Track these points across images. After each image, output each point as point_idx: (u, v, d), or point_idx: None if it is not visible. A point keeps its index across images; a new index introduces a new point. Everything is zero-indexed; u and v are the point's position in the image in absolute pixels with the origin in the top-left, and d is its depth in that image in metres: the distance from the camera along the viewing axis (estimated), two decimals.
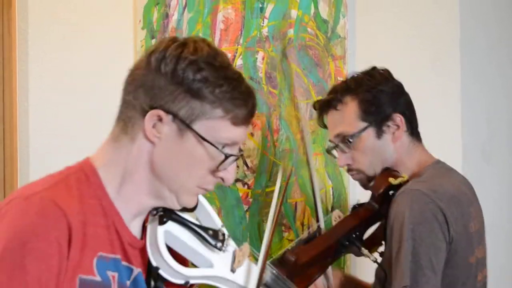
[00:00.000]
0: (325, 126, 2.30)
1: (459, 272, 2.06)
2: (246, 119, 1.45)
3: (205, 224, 1.55)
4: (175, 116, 1.40)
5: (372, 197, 2.22)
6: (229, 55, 2.96)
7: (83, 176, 1.44)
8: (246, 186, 2.90)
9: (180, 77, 1.40)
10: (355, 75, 2.25)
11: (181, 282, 1.46)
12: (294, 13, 2.88)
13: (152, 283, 1.45)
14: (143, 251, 1.47)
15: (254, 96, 1.46)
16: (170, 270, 1.45)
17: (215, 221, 1.56)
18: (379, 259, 2.15)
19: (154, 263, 1.45)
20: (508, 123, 3.08)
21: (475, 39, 2.87)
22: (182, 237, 1.48)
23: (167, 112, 1.40)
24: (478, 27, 2.90)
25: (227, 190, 2.90)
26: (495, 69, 3.01)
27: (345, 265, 2.82)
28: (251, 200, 2.90)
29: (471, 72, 2.83)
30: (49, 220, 1.33)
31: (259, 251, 1.60)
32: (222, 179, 1.47)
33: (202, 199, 1.55)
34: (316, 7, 2.86)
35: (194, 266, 1.51)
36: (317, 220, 2.46)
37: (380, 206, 2.19)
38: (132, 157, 1.44)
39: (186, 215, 1.51)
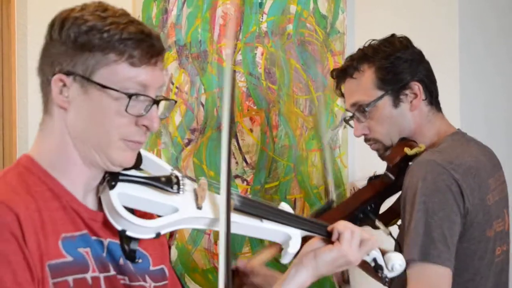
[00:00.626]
0: (342, 95, 2.24)
1: (475, 246, 2.00)
2: (145, 58, 1.41)
3: (157, 174, 1.53)
4: (74, 75, 1.39)
5: (388, 168, 2.16)
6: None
7: (23, 169, 1.43)
8: (245, 183, 2.90)
9: (69, 35, 1.39)
10: (373, 42, 2.19)
11: (153, 235, 1.45)
12: (293, 8, 2.88)
13: (126, 247, 1.45)
14: (106, 222, 1.45)
15: (152, 36, 1.43)
16: (136, 227, 1.43)
17: (165, 167, 1.53)
18: (395, 233, 2.10)
19: (118, 227, 1.43)
20: (507, 121, 3.08)
21: (473, 37, 2.87)
22: (137, 194, 1.46)
23: (67, 74, 1.39)
24: (477, 25, 2.90)
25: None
26: (493, 67, 3.01)
27: None
28: (250, 196, 2.90)
29: (470, 70, 2.83)
30: None
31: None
32: (146, 127, 1.44)
33: (144, 153, 1.52)
34: (315, 3, 2.86)
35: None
36: (327, 194, 2.43)
37: (396, 178, 2.12)
38: (56, 132, 1.43)
39: (133, 171, 1.48)
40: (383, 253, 1.70)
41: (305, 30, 2.87)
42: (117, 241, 1.46)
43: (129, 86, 1.40)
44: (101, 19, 1.40)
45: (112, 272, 1.44)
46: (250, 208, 1.57)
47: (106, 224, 1.45)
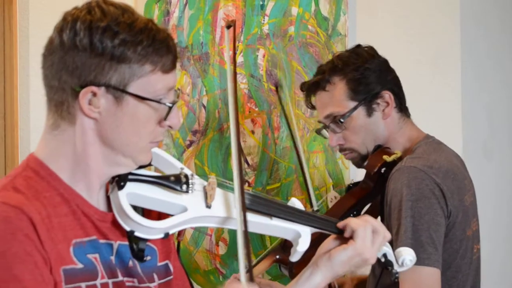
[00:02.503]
0: (313, 107, 2.31)
1: (457, 245, 2.07)
2: (174, 62, 1.44)
3: (167, 171, 1.54)
4: (108, 87, 1.39)
5: (367, 175, 2.22)
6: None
7: (31, 173, 1.42)
8: (246, 184, 2.90)
9: (100, 48, 1.37)
10: (341, 54, 2.26)
11: (161, 236, 1.45)
12: (294, 10, 2.88)
13: (134, 246, 1.45)
14: (115, 222, 1.46)
15: (171, 36, 1.45)
16: (144, 228, 1.43)
17: (175, 165, 1.54)
18: None
19: (127, 228, 1.44)
20: (509, 120, 3.08)
21: (475, 36, 2.87)
22: (146, 193, 1.46)
23: (99, 85, 1.38)
24: (479, 24, 2.90)
25: (228, 188, 2.90)
26: (495, 66, 3.01)
27: None
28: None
29: (472, 69, 2.83)
30: (11, 222, 1.31)
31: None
32: (170, 126, 1.46)
33: (156, 150, 1.53)
34: (317, 5, 2.86)
35: (171, 215, 1.49)
36: (311, 205, 2.46)
37: (375, 184, 2.20)
38: (77, 138, 1.42)
39: (142, 171, 1.49)
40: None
41: (306, 32, 2.87)
42: (127, 242, 1.46)
43: (161, 93, 1.42)
44: (129, 28, 1.40)
45: (120, 278, 1.45)
46: (260, 206, 1.57)
47: (115, 224, 1.46)
